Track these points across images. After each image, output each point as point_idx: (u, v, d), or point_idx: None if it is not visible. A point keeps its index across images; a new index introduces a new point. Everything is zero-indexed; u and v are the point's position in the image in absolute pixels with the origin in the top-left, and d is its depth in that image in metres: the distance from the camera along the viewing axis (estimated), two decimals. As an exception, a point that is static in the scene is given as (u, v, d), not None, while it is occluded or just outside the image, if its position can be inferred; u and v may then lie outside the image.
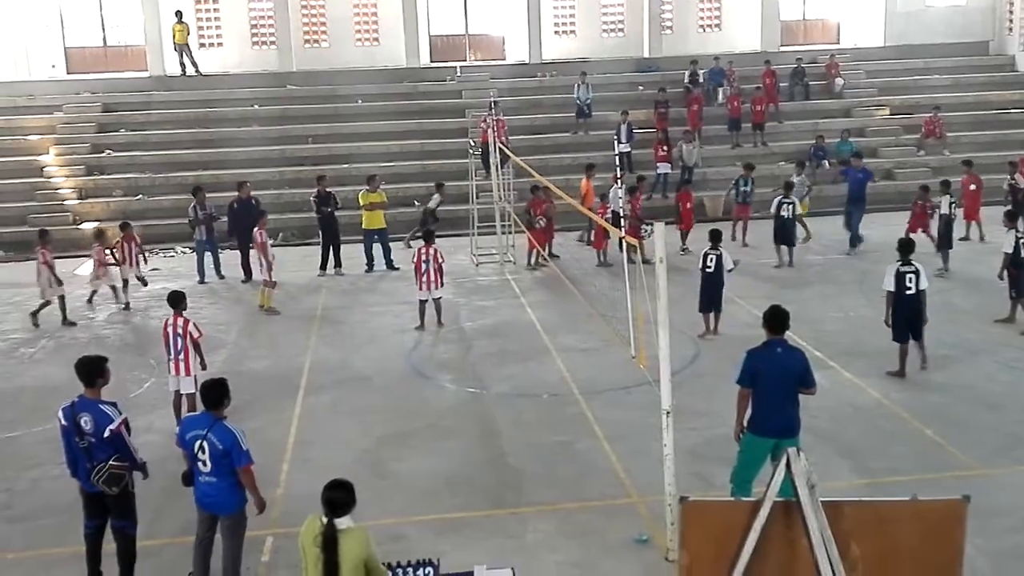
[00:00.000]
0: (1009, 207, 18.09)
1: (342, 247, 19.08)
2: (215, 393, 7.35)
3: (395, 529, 8.46)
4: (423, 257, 14.65)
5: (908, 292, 11.78)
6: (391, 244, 19.25)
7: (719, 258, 14.02)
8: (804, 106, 26.80)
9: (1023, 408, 10.89)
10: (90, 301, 16.92)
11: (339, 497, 5.63)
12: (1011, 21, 28.46)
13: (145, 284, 17.26)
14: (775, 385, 7.96)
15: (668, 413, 7.78)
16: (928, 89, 27.30)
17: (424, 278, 14.62)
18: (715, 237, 14.23)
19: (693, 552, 5.36)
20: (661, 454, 7.88)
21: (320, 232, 19.16)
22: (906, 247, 12.14)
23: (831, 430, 10.34)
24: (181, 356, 10.62)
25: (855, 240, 19.22)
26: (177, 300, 10.81)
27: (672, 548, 7.68)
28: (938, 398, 11.27)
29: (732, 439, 8.38)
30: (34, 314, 15.70)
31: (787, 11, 29.93)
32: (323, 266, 18.91)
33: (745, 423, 8.12)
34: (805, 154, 23.79)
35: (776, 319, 8.14)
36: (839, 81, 27.13)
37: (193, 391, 10.58)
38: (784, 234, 18.13)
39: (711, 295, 14.10)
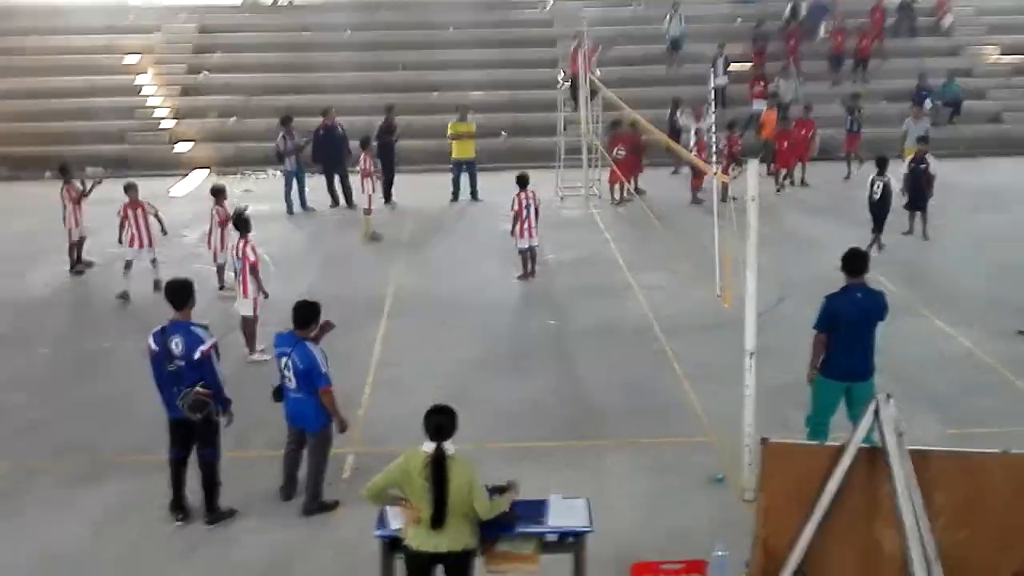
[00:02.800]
0: None
1: (397, 177, 18.96)
2: (302, 314, 7.58)
3: (474, 453, 8.54)
4: (524, 203, 13.63)
5: None
6: (478, 174, 19.20)
7: (886, 185, 14.73)
8: (909, 44, 25.69)
9: None
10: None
11: (445, 422, 5.72)
12: None
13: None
14: (854, 329, 7.78)
15: (752, 354, 7.69)
16: (1042, 28, 25.87)
17: (525, 224, 13.60)
18: (881, 164, 15.02)
19: (772, 493, 5.32)
20: (741, 395, 7.81)
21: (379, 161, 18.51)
22: None
23: (919, 379, 10.11)
24: (239, 278, 10.87)
25: None
26: (241, 224, 11.03)
27: (748, 488, 7.66)
28: (1034, 350, 10.90)
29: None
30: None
31: (897, -57, 28.52)
32: (386, 198, 18.75)
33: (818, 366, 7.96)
34: (907, 94, 22.85)
35: (855, 261, 7.87)
36: (948, 18, 25.86)
37: (248, 313, 10.90)
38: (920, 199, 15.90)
39: (879, 217, 14.93)
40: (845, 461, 5.08)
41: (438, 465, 5.59)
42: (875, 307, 7.87)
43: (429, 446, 5.67)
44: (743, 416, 7.81)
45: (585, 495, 6.58)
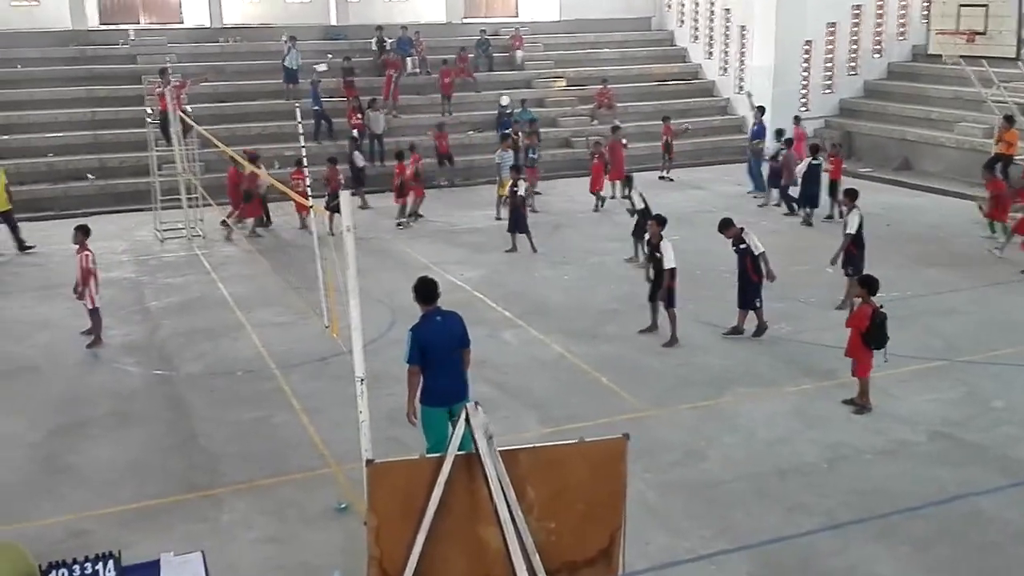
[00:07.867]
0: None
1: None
2: None
3: (75, 524, 7.98)
4: (93, 258, 12.34)
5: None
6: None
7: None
8: (489, 77, 27.64)
9: (685, 352, 12.04)
10: None
11: None
12: (669, -1, 30.99)
13: None
14: (443, 354, 8.04)
15: (362, 380, 7.83)
16: (599, 62, 29.11)
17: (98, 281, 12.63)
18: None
19: (381, 513, 5.47)
20: (358, 422, 7.95)
21: None
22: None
23: (519, 385, 10.93)
24: None
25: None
26: None
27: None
28: (611, 349, 12.20)
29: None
30: None
31: (470, -16, 30.78)
32: None
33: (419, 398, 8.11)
34: (492, 124, 24.63)
35: (426, 289, 8.14)
36: (520, 53, 28.26)
37: None
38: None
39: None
40: (445, 470, 5.38)
41: None
42: (455, 328, 8.17)
43: None
44: (360, 442, 7.95)
45: (203, 548, 6.33)
